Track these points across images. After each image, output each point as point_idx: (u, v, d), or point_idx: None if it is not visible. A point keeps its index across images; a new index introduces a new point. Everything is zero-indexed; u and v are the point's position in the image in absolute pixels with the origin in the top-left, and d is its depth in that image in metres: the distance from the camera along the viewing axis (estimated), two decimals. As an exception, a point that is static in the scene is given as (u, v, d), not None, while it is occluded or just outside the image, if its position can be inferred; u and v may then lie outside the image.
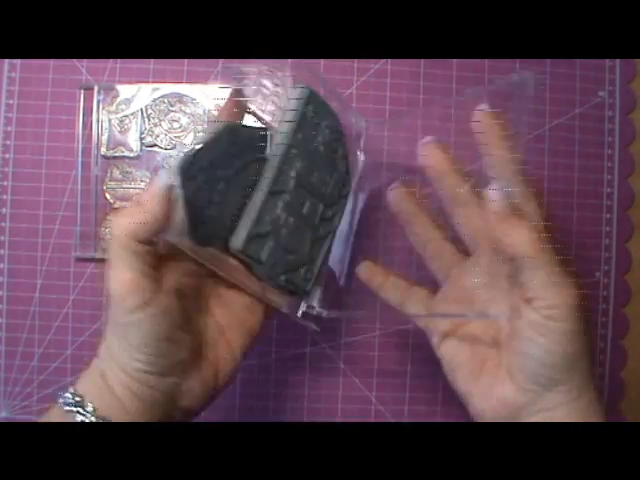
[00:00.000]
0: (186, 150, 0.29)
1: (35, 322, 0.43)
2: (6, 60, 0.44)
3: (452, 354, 0.34)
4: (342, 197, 0.35)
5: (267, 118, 0.34)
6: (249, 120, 0.34)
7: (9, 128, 0.44)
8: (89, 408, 0.27)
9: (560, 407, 0.30)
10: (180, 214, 0.28)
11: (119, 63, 0.44)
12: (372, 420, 0.43)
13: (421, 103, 0.45)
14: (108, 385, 0.28)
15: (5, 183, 0.43)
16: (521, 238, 0.29)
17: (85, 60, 0.44)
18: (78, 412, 0.27)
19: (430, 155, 0.35)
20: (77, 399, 0.27)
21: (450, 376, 0.34)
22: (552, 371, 0.29)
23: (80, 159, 0.43)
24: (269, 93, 0.35)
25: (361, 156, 0.38)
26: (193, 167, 0.28)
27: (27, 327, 0.43)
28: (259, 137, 0.32)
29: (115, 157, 0.44)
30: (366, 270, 0.38)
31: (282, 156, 0.32)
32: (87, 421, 0.27)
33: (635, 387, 0.46)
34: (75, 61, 0.44)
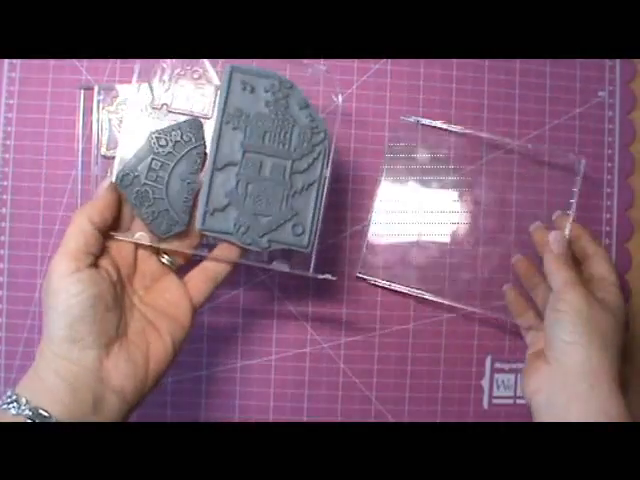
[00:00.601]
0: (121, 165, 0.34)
1: (35, 322, 0.43)
2: (6, 60, 0.44)
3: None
4: (315, 145, 0.36)
5: (196, 109, 0.37)
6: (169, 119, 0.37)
7: (9, 128, 0.44)
8: (22, 400, 0.29)
9: None
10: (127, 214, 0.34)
11: (119, 63, 0.44)
12: (372, 420, 0.43)
13: (421, 103, 0.45)
14: (39, 376, 0.30)
15: (5, 183, 0.43)
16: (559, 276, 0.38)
17: (85, 60, 0.44)
18: (12, 407, 0.28)
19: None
20: (12, 396, 0.29)
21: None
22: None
23: (80, 159, 0.43)
24: (191, 89, 0.37)
25: (339, 99, 0.39)
26: (128, 177, 0.34)
27: (27, 327, 0.43)
28: (188, 128, 0.35)
29: (115, 157, 0.43)
30: (522, 264, 0.44)
31: (216, 135, 0.35)
32: (22, 414, 0.28)
33: (635, 387, 0.46)
34: (75, 61, 0.44)
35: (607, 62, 0.47)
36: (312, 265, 0.36)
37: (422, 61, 0.45)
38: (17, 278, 0.43)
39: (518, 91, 0.46)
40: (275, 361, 0.44)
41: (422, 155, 0.45)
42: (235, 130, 0.35)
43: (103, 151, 0.43)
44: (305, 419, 0.44)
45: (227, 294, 0.44)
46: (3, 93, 0.44)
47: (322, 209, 0.36)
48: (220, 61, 0.44)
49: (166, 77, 0.37)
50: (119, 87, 0.43)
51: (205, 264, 0.36)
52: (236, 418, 0.44)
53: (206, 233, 0.35)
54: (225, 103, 0.35)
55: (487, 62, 0.46)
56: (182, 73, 0.37)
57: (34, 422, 0.27)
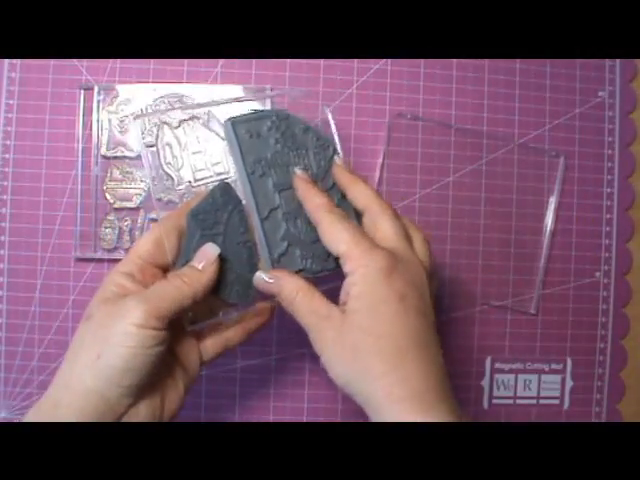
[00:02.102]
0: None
1: (35, 322, 0.43)
2: (6, 60, 0.44)
3: None
4: (330, 159, 0.37)
5: (219, 170, 0.38)
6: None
7: (9, 128, 0.44)
8: None
9: None
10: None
11: (119, 63, 0.44)
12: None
13: (421, 103, 0.45)
14: (60, 415, 0.29)
15: (5, 183, 0.43)
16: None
17: (85, 60, 0.44)
18: None
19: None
20: None
21: None
22: None
23: (80, 159, 0.43)
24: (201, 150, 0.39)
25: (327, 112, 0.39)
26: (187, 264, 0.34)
27: (27, 327, 0.43)
28: (220, 194, 0.36)
29: (115, 157, 0.44)
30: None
31: (248, 188, 0.35)
32: None
33: (635, 387, 0.46)
34: (75, 61, 0.44)
35: (607, 62, 0.47)
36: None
37: (422, 61, 0.45)
38: (17, 278, 0.43)
39: (518, 91, 0.46)
40: (275, 361, 0.44)
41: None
42: (262, 177, 0.36)
43: (103, 151, 0.43)
44: (305, 419, 0.44)
45: (227, 294, 0.44)
46: (3, 93, 0.44)
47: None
48: (221, 61, 0.44)
49: (177, 152, 0.38)
50: (119, 87, 0.43)
51: (220, 326, 0.35)
52: (236, 418, 0.44)
53: None
54: (242, 157, 0.35)
55: (487, 62, 0.46)
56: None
57: (36, 422, 0.27)
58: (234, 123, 0.35)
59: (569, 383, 0.46)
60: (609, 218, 0.47)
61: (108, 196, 0.43)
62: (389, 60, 0.45)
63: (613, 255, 0.47)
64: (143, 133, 0.43)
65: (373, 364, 0.29)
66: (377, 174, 0.44)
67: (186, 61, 0.44)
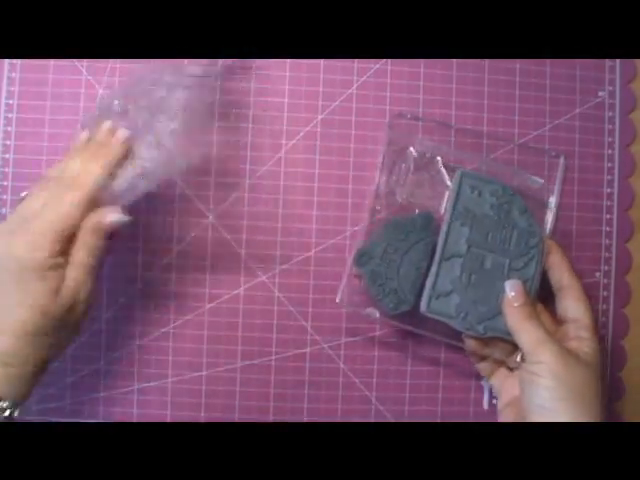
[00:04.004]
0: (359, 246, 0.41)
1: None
2: (6, 60, 0.44)
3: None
4: (531, 247, 0.40)
5: (428, 204, 0.43)
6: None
7: (9, 128, 0.44)
8: None
9: None
10: None
11: (119, 63, 0.44)
12: (372, 420, 0.43)
13: (421, 103, 0.45)
14: None
15: (5, 183, 0.43)
16: (526, 333, 0.36)
17: (85, 60, 0.44)
18: None
19: None
20: None
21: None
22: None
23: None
24: (426, 186, 0.43)
25: (550, 208, 0.44)
26: (364, 257, 0.40)
27: (27, 327, 0.43)
28: (421, 222, 0.41)
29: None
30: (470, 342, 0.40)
31: (446, 229, 0.40)
32: None
33: (635, 387, 0.46)
34: (75, 61, 0.44)
35: (607, 62, 0.47)
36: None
37: (422, 61, 0.45)
38: (17, 278, 0.43)
39: (518, 91, 0.46)
40: (275, 361, 0.44)
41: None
42: (462, 226, 0.40)
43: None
44: (305, 419, 0.44)
45: (227, 294, 0.44)
46: (3, 93, 0.44)
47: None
48: (220, 61, 0.44)
49: (402, 174, 0.43)
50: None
51: None
52: (236, 418, 0.44)
53: (429, 315, 0.39)
54: (455, 202, 0.40)
55: (487, 62, 0.46)
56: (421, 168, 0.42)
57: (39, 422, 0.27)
58: (463, 175, 0.41)
59: (569, 383, 0.46)
60: (609, 218, 0.47)
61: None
62: (389, 60, 0.45)
63: (613, 255, 0.47)
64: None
65: None
66: (377, 174, 0.44)
67: (186, 61, 0.44)
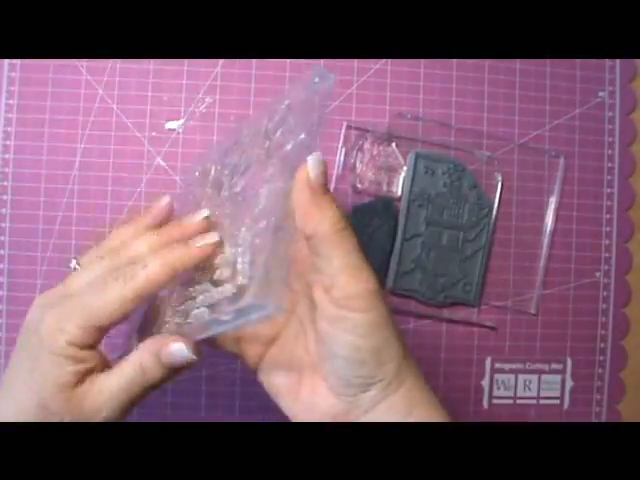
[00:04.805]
0: None
1: (35, 322, 0.43)
2: (6, 60, 0.43)
3: (269, 378, 0.31)
4: (482, 218, 0.44)
5: (384, 189, 0.44)
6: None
7: (9, 128, 0.44)
8: None
9: (381, 403, 0.28)
10: None
11: (119, 63, 0.44)
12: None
13: (421, 103, 0.45)
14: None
15: (5, 183, 0.43)
16: (322, 216, 0.26)
17: (85, 60, 0.44)
18: None
19: None
20: None
21: (277, 402, 0.31)
22: (362, 369, 0.27)
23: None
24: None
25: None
26: None
27: (27, 327, 0.43)
28: (382, 206, 0.43)
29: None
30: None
31: (404, 212, 0.43)
32: None
33: (635, 387, 0.46)
34: (75, 61, 0.44)
35: (607, 62, 0.47)
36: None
37: (422, 61, 0.45)
38: (17, 278, 0.43)
39: (518, 91, 0.46)
40: (275, 361, 0.44)
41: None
42: (420, 207, 0.43)
43: (103, 151, 0.43)
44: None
45: (227, 294, 0.44)
46: (3, 93, 0.44)
47: (485, 271, 0.44)
48: (220, 61, 0.44)
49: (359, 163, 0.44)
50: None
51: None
52: (236, 418, 0.44)
53: (396, 291, 0.43)
54: (412, 185, 0.43)
55: (487, 62, 0.46)
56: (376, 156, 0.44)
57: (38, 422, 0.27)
58: (417, 155, 0.43)
59: (569, 383, 0.46)
60: (609, 218, 0.47)
61: (108, 196, 0.43)
62: (389, 60, 0.45)
63: (613, 255, 0.47)
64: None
65: None
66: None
67: (186, 61, 0.44)
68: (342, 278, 0.26)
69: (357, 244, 0.27)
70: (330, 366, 0.28)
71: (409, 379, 0.28)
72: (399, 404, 0.28)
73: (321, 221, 0.26)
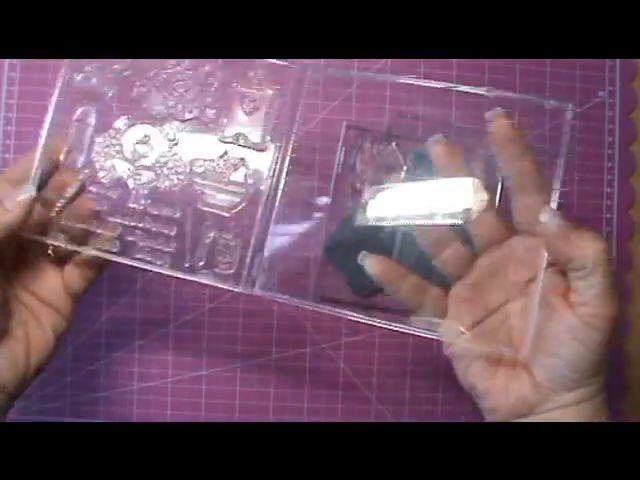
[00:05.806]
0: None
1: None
2: (6, 60, 0.44)
3: (466, 350, 0.33)
4: None
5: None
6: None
7: (9, 128, 0.44)
8: None
9: (575, 406, 0.30)
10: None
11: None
12: (372, 420, 0.43)
13: (421, 103, 0.45)
14: None
15: (5, 183, 0.43)
16: (592, 248, 0.29)
17: (85, 60, 0.44)
18: None
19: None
20: None
21: (462, 372, 0.33)
22: (579, 375, 0.30)
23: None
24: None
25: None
26: (334, 248, 0.42)
27: (27, 327, 0.43)
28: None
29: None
30: (379, 265, 0.34)
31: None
32: None
33: (635, 387, 0.46)
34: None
35: (607, 62, 0.47)
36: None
37: (422, 61, 0.45)
38: None
39: (518, 91, 0.46)
40: (275, 361, 0.44)
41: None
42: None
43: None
44: (305, 419, 0.44)
45: (227, 294, 0.44)
46: (3, 93, 0.44)
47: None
48: (220, 61, 0.44)
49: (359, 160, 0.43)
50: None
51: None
52: (236, 418, 0.44)
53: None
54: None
55: (487, 62, 0.46)
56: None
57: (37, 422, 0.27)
58: (416, 155, 0.42)
59: (569, 383, 0.46)
60: (609, 218, 0.47)
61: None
62: (389, 60, 0.45)
63: (613, 255, 0.46)
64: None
65: None
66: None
67: (186, 61, 0.44)
68: (598, 302, 0.29)
69: (611, 271, 0.29)
70: (547, 361, 0.30)
71: (604, 394, 0.31)
72: (589, 412, 0.30)
73: (585, 249, 0.29)
